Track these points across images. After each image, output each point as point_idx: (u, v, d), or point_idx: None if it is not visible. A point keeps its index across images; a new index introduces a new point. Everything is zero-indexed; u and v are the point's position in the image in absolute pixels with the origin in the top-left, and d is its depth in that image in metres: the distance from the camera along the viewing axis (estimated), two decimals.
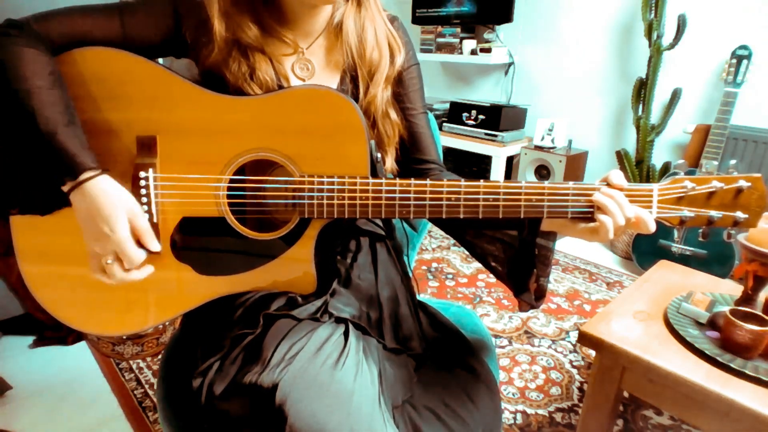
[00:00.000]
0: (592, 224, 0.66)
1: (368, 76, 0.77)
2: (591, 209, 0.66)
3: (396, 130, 0.80)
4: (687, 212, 0.66)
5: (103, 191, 0.62)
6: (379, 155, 0.72)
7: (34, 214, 0.69)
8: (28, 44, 0.63)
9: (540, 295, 0.75)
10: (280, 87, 0.73)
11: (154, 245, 0.66)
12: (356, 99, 0.76)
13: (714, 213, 0.66)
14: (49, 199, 0.67)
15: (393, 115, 0.79)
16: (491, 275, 2.02)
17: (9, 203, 0.68)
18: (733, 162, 0.69)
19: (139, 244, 0.65)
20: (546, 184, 0.67)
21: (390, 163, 0.80)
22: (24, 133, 0.62)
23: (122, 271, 0.64)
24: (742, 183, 0.64)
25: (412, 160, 0.86)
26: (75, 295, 0.72)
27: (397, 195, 0.68)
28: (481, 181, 0.67)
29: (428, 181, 0.68)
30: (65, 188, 0.62)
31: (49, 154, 0.60)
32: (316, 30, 0.77)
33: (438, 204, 0.68)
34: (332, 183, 0.68)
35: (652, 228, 0.65)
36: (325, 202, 0.68)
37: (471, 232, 0.81)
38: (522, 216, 0.68)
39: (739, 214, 0.65)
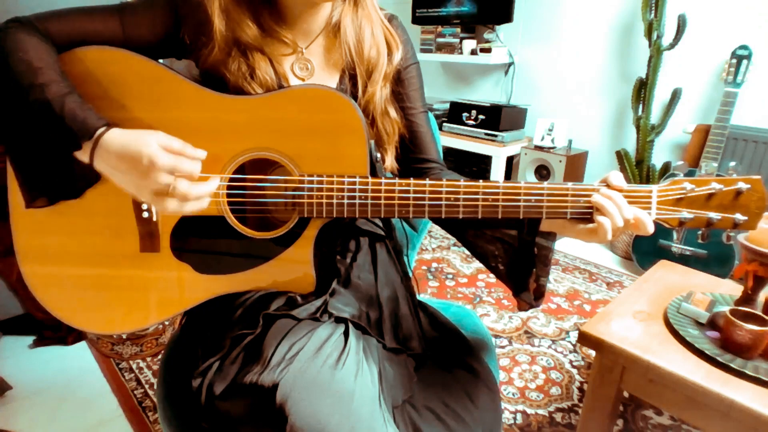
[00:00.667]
0: (590, 225, 0.66)
1: (366, 75, 0.77)
2: (590, 210, 0.66)
3: (395, 128, 0.80)
4: (686, 214, 0.66)
5: (122, 136, 0.61)
6: (378, 155, 0.72)
7: (66, 200, 0.69)
8: (30, 34, 0.64)
9: (539, 294, 0.75)
10: (280, 87, 0.73)
11: (200, 152, 0.63)
12: (355, 98, 0.76)
13: (713, 215, 0.66)
14: (75, 179, 0.67)
15: (392, 113, 0.79)
16: (491, 275, 2.00)
17: (35, 194, 0.68)
18: (732, 164, 0.69)
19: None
20: (545, 184, 0.67)
21: (390, 161, 0.80)
22: (34, 109, 0.61)
23: (190, 185, 0.61)
24: (742, 185, 0.64)
25: (412, 159, 0.86)
26: (75, 295, 0.72)
27: (397, 195, 0.68)
28: (481, 181, 0.68)
29: (427, 181, 0.68)
30: (85, 156, 0.61)
31: (60, 125, 0.60)
32: (315, 30, 0.77)
33: (437, 204, 0.68)
34: (331, 182, 0.68)
35: (651, 229, 0.64)
36: (324, 201, 0.68)
37: (471, 231, 0.81)
38: (521, 216, 0.68)
39: (739, 216, 0.65)
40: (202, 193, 0.62)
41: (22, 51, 0.62)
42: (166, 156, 0.59)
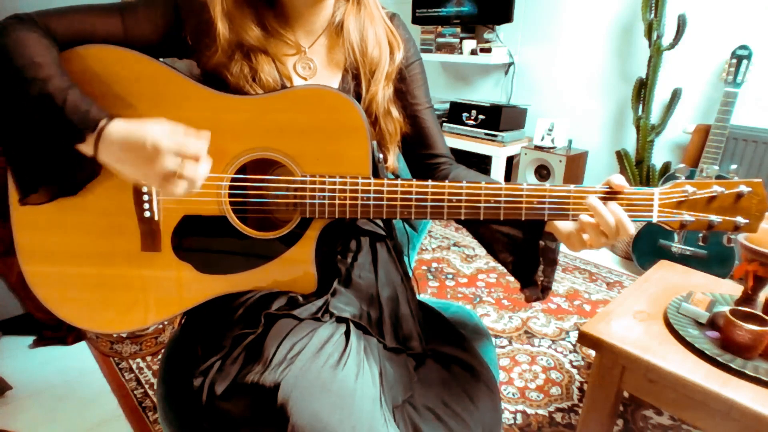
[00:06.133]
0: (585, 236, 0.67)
1: (369, 74, 0.77)
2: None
3: (398, 128, 0.80)
4: (687, 216, 0.66)
5: (125, 126, 0.61)
6: (380, 155, 0.73)
7: (65, 196, 0.68)
8: (32, 30, 0.64)
9: (546, 288, 0.76)
10: (283, 86, 0.73)
11: (204, 133, 0.63)
12: (358, 97, 0.77)
13: (714, 217, 0.66)
14: (74, 175, 0.67)
15: (395, 112, 0.80)
16: (491, 275, 2.00)
17: (29, 190, 0.67)
18: (734, 167, 0.69)
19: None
20: (547, 186, 0.67)
21: (392, 160, 0.80)
22: (37, 105, 0.61)
23: (195, 168, 0.60)
24: (743, 188, 0.64)
25: (423, 155, 0.86)
26: (75, 293, 0.72)
27: (399, 196, 0.68)
28: (483, 182, 0.68)
29: (430, 182, 0.68)
30: (89, 148, 0.61)
31: (63, 119, 0.60)
32: (318, 29, 0.77)
33: (439, 205, 0.68)
34: (333, 183, 0.68)
35: (631, 230, 0.64)
36: (326, 202, 0.68)
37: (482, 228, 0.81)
38: (523, 218, 0.68)
39: (740, 219, 0.65)
40: (205, 174, 0.62)
41: (24, 46, 0.62)
42: (170, 140, 0.59)
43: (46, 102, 0.60)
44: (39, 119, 0.62)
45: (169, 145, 0.58)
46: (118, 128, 0.60)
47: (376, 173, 0.70)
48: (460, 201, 0.68)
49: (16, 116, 0.64)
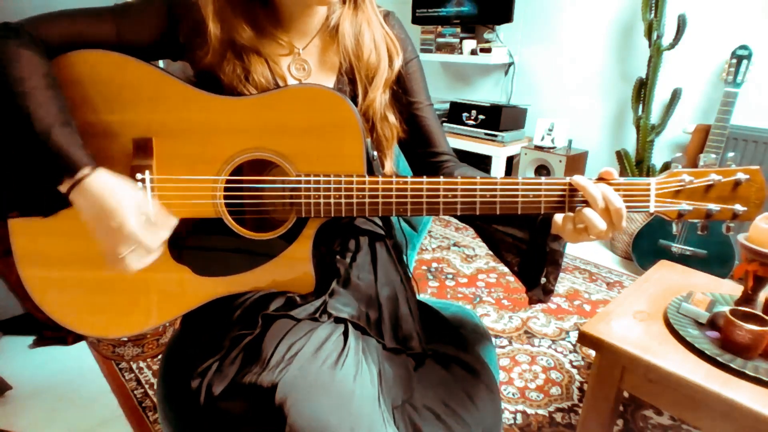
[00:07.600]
0: (580, 225, 0.66)
1: (367, 80, 0.77)
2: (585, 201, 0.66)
3: (394, 133, 0.80)
4: (685, 205, 0.66)
5: (103, 186, 0.61)
6: (375, 153, 0.72)
7: (35, 216, 0.68)
8: (23, 46, 0.62)
9: (548, 291, 0.76)
10: (276, 86, 0.73)
11: (172, 220, 0.64)
12: (355, 102, 0.76)
13: (712, 206, 0.65)
14: (50, 200, 0.66)
15: (391, 118, 0.79)
16: (491, 275, 2.00)
17: (8, 206, 0.68)
18: (731, 154, 0.69)
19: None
20: (543, 179, 0.67)
21: (389, 166, 0.80)
22: (20, 133, 0.61)
23: (140, 258, 0.62)
24: (741, 175, 0.64)
25: (425, 153, 0.86)
26: (73, 298, 0.72)
27: (394, 193, 0.68)
28: (478, 177, 0.68)
29: (424, 178, 0.68)
30: (64, 188, 0.61)
31: (45, 154, 0.60)
32: (312, 30, 0.77)
33: (435, 201, 0.68)
34: (329, 182, 0.68)
35: (617, 203, 0.63)
36: (321, 201, 0.68)
37: (491, 227, 0.81)
38: (519, 212, 0.68)
39: (738, 207, 0.65)
40: (145, 264, 0.63)
41: (14, 67, 0.60)
42: (135, 225, 0.60)
43: (29, 133, 0.59)
44: (21, 146, 0.62)
45: (131, 230, 0.60)
46: (96, 184, 0.60)
47: (371, 171, 0.70)
48: (455, 196, 0.67)
49: (1, 136, 0.64)
